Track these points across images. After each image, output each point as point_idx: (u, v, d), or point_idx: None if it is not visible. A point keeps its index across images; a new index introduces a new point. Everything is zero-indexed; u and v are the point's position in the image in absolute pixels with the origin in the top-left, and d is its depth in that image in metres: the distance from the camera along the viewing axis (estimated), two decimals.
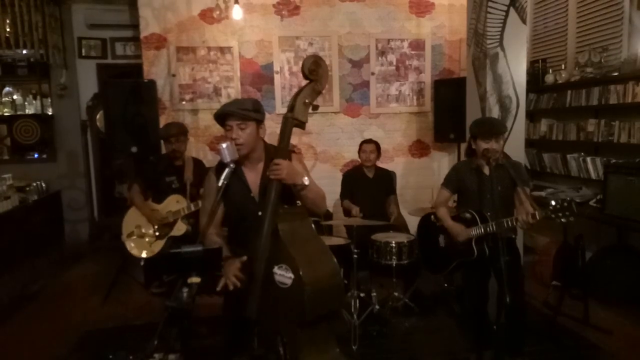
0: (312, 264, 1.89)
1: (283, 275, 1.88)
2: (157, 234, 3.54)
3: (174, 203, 3.54)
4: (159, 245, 3.52)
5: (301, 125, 2.09)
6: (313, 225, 2.14)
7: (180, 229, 3.51)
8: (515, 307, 2.56)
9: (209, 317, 3.42)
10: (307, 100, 2.06)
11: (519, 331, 2.79)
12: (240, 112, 2.10)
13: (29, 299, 4.23)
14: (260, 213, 2.06)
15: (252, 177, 2.23)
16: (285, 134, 2.05)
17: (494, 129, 2.83)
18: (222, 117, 2.15)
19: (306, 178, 2.06)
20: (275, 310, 1.95)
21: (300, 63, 5.75)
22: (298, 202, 2.24)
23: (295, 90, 5.17)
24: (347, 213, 4.14)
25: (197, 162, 3.81)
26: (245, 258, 2.02)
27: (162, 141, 3.73)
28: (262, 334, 2.03)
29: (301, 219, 2.06)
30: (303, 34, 5.19)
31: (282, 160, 2.01)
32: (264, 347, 2.03)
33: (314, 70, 2.04)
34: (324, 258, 1.98)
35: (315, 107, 2.11)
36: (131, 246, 3.60)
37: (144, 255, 3.57)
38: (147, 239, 3.56)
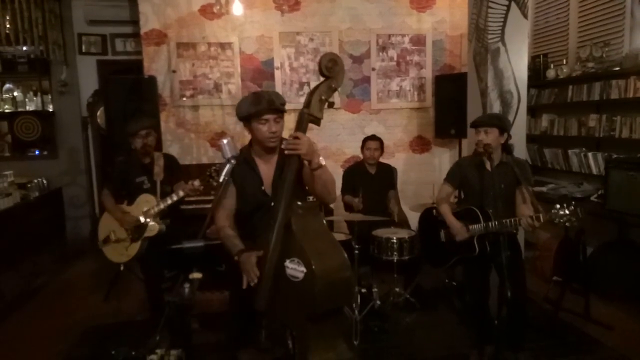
0: (324, 258, 1.91)
1: (295, 269, 1.89)
2: (130, 237, 3.40)
3: (144, 203, 3.40)
4: (134, 248, 3.38)
5: (316, 121, 2.08)
6: (325, 221, 2.15)
7: (152, 229, 3.35)
8: (516, 302, 2.57)
9: (211, 312, 3.44)
10: (323, 97, 2.06)
11: (520, 326, 2.80)
12: (284, 108, 2.19)
13: (31, 296, 4.24)
14: (272, 204, 2.07)
15: (265, 169, 2.26)
16: (301, 129, 2.05)
17: (477, 120, 2.91)
18: (262, 111, 2.16)
19: (322, 158, 2.07)
20: (284, 304, 1.97)
21: (301, 59, 5.77)
22: (309, 197, 2.26)
23: (296, 85, 5.21)
24: (349, 208, 4.14)
25: (168, 158, 3.65)
26: (261, 252, 2.03)
27: (131, 137, 3.48)
28: (270, 327, 2.05)
29: (314, 214, 2.07)
30: (304, 29, 5.18)
31: (301, 134, 2.00)
32: (271, 340, 2.04)
33: (331, 68, 2.04)
34: (335, 252, 2.00)
35: (331, 104, 2.11)
36: (109, 253, 3.51)
37: (121, 260, 3.47)
38: (122, 244, 3.44)
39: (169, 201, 3.30)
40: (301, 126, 2.04)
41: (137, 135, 3.42)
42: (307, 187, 2.22)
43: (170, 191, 3.43)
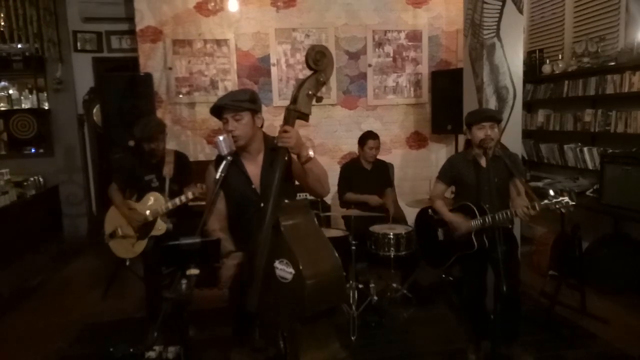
0: (313, 260, 1.85)
1: (284, 269, 1.85)
2: (137, 234, 3.41)
3: (152, 201, 3.39)
4: (141, 245, 3.41)
5: (304, 117, 2.01)
6: (316, 219, 2.10)
7: (160, 228, 3.36)
8: (510, 296, 2.58)
9: (209, 309, 3.44)
10: (310, 92, 1.98)
11: (515, 320, 2.81)
12: (233, 104, 2.09)
13: (29, 294, 4.24)
14: (262, 204, 2.02)
15: (253, 168, 2.22)
16: (288, 126, 1.99)
17: (486, 114, 2.89)
18: (217, 110, 2.14)
19: (312, 151, 2.02)
20: (276, 305, 1.93)
21: (297, 55, 5.73)
22: (301, 194, 2.23)
23: (292, 82, 5.20)
24: (346, 205, 4.13)
25: (179, 156, 3.56)
26: (240, 253, 2.00)
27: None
28: (262, 326, 2.03)
29: (304, 213, 2.01)
30: (299, 25, 5.17)
31: (290, 127, 1.95)
32: (264, 339, 2.04)
33: (318, 61, 1.97)
34: (326, 253, 1.94)
35: (319, 99, 2.05)
36: (115, 247, 3.54)
37: (128, 256, 3.51)
38: (129, 240, 3.46)
39: (178, 202, 3.29)
40: (288, 123, 1.99)
41: (142, 140, 3.36)
42: (297, 182, 2.18)
43: (178, 190, 3.41)
